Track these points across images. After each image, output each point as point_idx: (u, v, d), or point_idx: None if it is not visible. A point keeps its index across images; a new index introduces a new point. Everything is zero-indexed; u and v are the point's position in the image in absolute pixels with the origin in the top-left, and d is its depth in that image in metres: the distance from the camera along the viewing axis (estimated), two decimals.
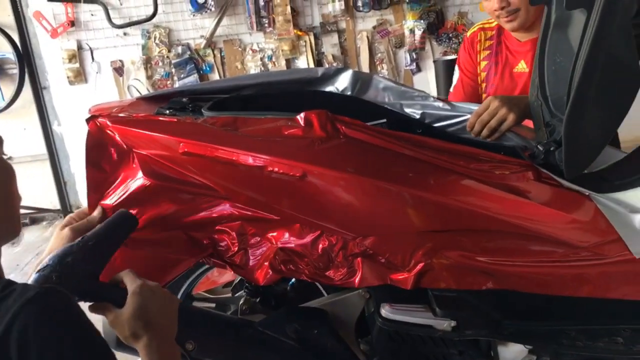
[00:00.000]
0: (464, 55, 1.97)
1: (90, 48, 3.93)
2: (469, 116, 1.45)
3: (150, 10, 3.78)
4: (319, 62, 4.00)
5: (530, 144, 1.30)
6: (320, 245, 1.22)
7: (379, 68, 4.07)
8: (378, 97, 1.60)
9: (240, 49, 3.99)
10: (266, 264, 1.25)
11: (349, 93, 1.61)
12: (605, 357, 1.25)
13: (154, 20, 3.83)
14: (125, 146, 1.26)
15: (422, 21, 3.94)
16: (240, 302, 1.54)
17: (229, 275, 1.70)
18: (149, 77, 3.95)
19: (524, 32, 1.80)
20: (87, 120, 1.27)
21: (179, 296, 1.53)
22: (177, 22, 3.92)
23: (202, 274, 1.55)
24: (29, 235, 3.86)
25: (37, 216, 4.19)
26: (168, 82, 3.97)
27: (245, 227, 1.26)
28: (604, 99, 1.08)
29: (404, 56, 4.07)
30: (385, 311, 1.25)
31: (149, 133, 1.22)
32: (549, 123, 1.26)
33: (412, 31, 3.96)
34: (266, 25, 3.90)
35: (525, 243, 1.18)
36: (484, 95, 1.92)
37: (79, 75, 3.96)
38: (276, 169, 1.15)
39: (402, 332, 1.28)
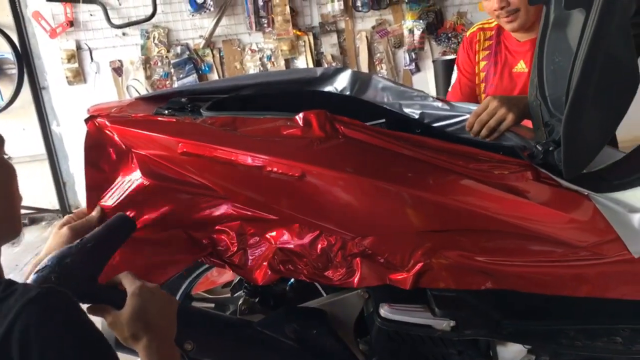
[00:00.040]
0: (462, 55, 1.97)
1: (89, 48, 3.93)
2: (468, 116, 1.45)
3: (149, 11, 3.77)
4: (318, 62, 3.99)
5: (529, 143, 1.30)
6: (319, 245, 1.22)
7: (378, 68, 4.07)
8: (377, 97, 1.60)
9: (239, 49, 3.99)
10: (265, 263, 1.25)
11: (348, 93, 1.61)
12: (604, 356, 1.25)
13: (153, 20, 3.82)
14: (124, 146, 1.25)
15: (421, 21, 3.94)
16: (239, 302, 1.54)
17: (228, 276, 1.70)
18: (147, 77, 3.95)
19: (524, 32, 1.80)
20: (86, 121, 1.28)
21: (177, 296, 1.53)
22: (176, 22, 3.92)
23: (201, 274, 1.55)
24: (28, 235, 3.86)
25: (36, 216, 4.19)
26: (167, 82, 3.97)
27: (245, 227, 1.26)
28: (602, 99, 1.08)
29: (403, 56, 4.07)
30: (384, 311, 1.25)
31: (148, 133, 1.22)
32: (548, 123, 1.26)
33: (411, 31, 3.96)
34: (265, 25, 3.90)
35: (524, 243, 1.18)
36: (483, 95, 1.92)
37: (78, 76, 3.96)
38: (275, 169, 1.15)
39: (401, 332, 1.28)
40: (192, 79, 3.95)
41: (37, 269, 0.94)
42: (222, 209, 1.26)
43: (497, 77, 1.87)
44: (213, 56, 3.98)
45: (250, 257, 1.27)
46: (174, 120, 1.30)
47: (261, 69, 3.99)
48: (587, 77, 1.02)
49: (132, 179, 1.24)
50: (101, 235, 1.02)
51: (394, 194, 1.15)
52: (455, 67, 2.02)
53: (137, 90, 3.94)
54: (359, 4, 3.90)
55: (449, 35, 4.02)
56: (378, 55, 4.06)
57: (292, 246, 1.23)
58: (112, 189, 1.27)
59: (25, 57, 3.92)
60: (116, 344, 1.26)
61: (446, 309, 1.22)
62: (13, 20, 3.85)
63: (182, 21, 3.91)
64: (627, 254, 1.13)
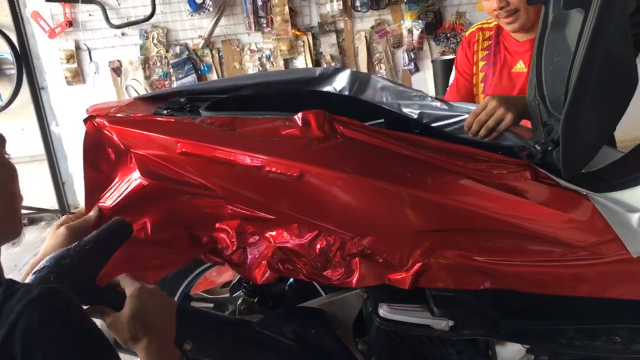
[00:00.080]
0: (460, 56, 1.97)
1: (88, 48, 3.93)
2: (466, 116, 1.44)
3: (148, 11, 3.77)
4: (317, 62, 3.99)
5: (527, 143, 1.30)
6: (318, 245, 1.22)
7: (377, 68, 4.07)
8: (376, 97, 1.60)
9: (238, 49, 3.98)
10: (264, 262, 1.25)
11: (346, 93, 1.60)
12: (603, 356, 1.25)
13: (152, 20, 3.82)
14: (122, 146, 1.26)
15: (420, 21, 3.94)
16: (238, 302, 1.54)
17: (227, 276, 1.70)
18: (146, 77, 3.95)
19: (524, 32, 1.80)
20: (85, 121, 1.28)
21: (177, 296, 1.53)
22: (175, 22, 3.91)
23: (200, 274, 1.55)
24: (27, 235, 3.85)
25: (36, 216, 4.18)
26: (166, 82, 3.96)
27: (244, 226, 1.26)
28: (601, 99, 1.08)
29: (402, 56, 4.07)
30: (383, 311, 1.25)
31: (147, 133, 1.22)
32: (547, 123, 1.26)
33: (410, 31, 3.96)
34: (264, 25, 3.90)
35: (523, 242, 1.18)
36: (482, 96, 1.92)
37: (77, 76, 3.95)
38: (274, 169, 1.15)
39: (400, 332, 1.28)
40: (191, 79, 3.95)
41: (35, 269, 0.94)
42: (221, 209, 1.26)
43: (496, 77, 1.87)
44: (212, 56, 3.98)
45: (249, 256, 1.28)
46: (173, 120, 1.30)
47: (260, 69, 3.98)
48: (585, 77, 1.02)
49: (131, 179, 1.24)
50: (99, 238, 1.03)
51: (392, 193, 1.15)
52: (453, 67, 2.02)
53: (136, 91, 3.93)
54: (357, 4, 3.90)
55: (448, 35, 4.02)
56: (377, 55, 4.06)
57: (291, 245, 1.23)
58: (111, 189, 1.27)
59: (24, 57, 3.91)
60: (115, 346, 1.26)
61: (445, 309, 1.23)
62: (12, 20, 3.84)
63: (181, 21, 3.91)
64: (626, 253, 1.13)
